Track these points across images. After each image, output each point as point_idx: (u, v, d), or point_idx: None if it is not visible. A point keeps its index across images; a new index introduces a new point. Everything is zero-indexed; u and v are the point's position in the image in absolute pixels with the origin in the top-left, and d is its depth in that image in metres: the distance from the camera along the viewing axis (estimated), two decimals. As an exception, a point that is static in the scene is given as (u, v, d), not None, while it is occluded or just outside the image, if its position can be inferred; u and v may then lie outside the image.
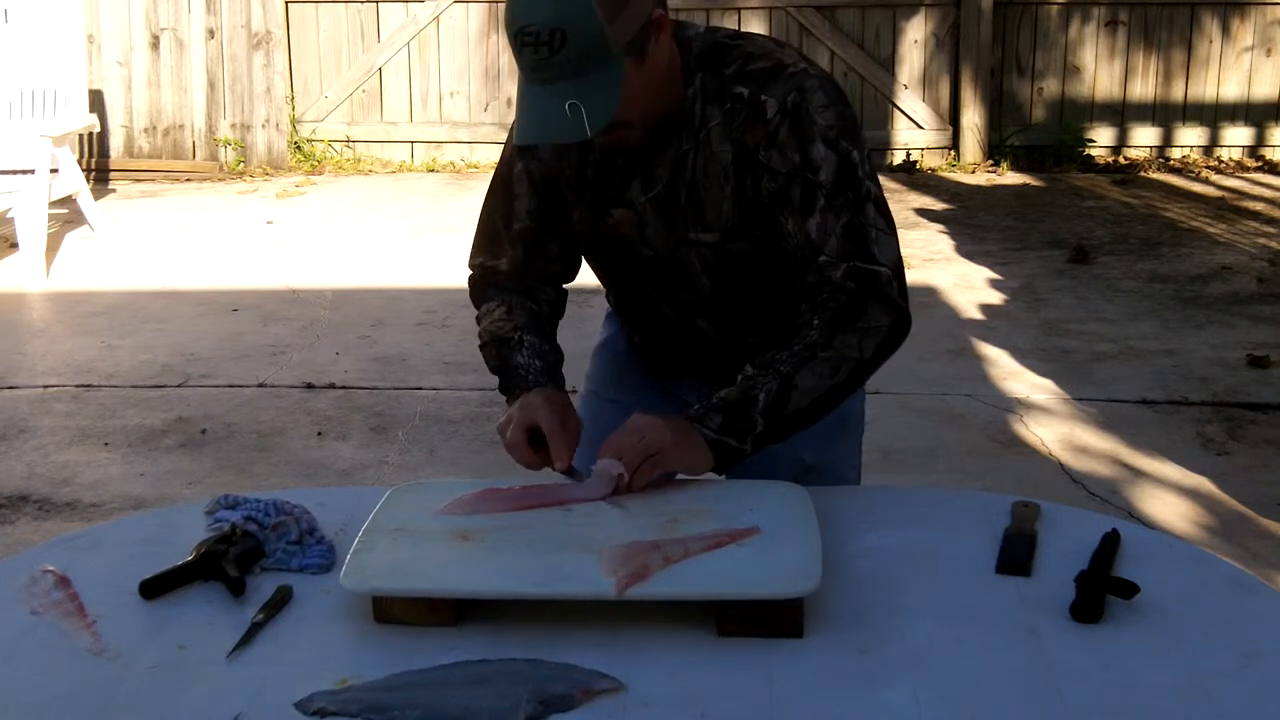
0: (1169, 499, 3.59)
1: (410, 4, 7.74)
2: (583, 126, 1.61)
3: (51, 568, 1.59)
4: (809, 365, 1.70)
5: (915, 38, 7.69)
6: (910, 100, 7.74)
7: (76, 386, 4.59)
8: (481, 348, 1.92)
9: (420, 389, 4.49)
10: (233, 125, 7.87)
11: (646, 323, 1.98)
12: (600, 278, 2.00)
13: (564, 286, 2.00)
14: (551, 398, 1.79)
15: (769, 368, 1.71)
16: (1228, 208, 6.83)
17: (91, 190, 6.55)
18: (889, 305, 1.74)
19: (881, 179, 1.93)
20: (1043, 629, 1.44)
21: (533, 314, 1.91)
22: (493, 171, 1.96)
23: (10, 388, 4.60)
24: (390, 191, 7.42)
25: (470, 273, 1.99)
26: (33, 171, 5.95)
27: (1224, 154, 7.74)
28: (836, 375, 1.72)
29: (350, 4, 7.74)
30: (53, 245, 6.22)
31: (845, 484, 2.02)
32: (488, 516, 1.63)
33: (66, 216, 6.61)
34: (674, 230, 1.80)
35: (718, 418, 1.69)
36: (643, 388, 2.04)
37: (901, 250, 1.77)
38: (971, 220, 6.69)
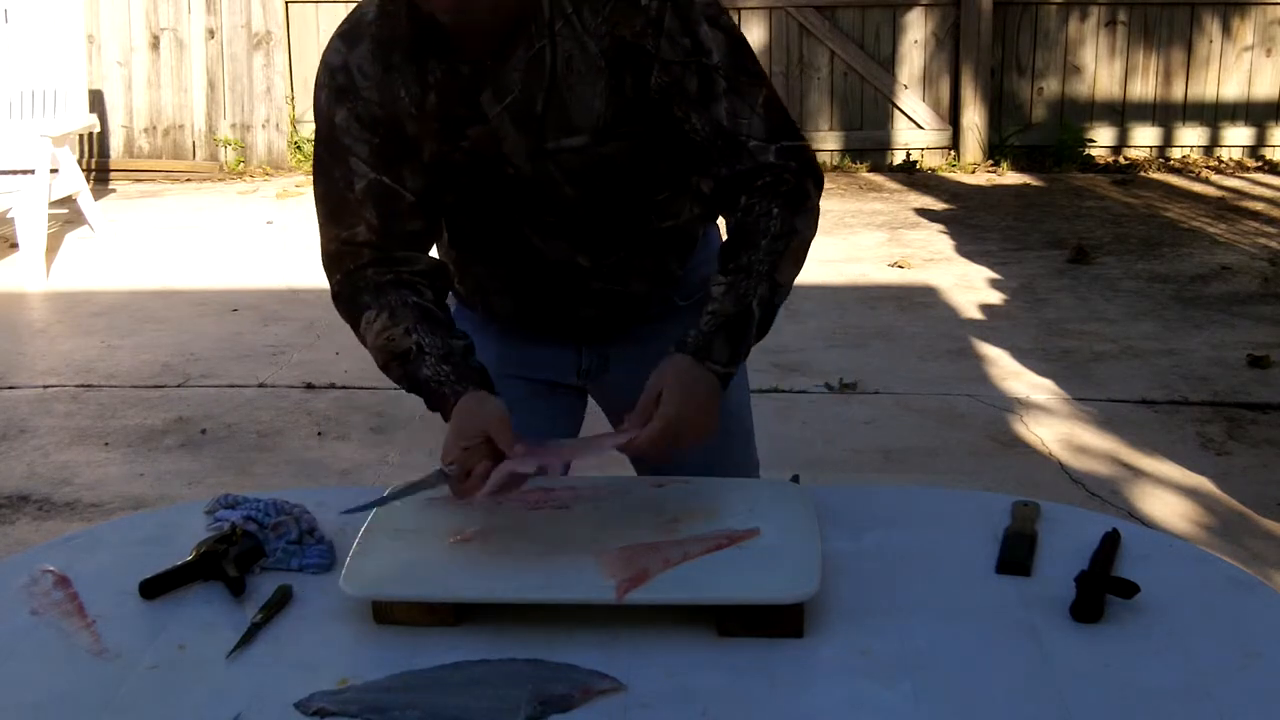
0: (1169, 499, 3.59)
1: (410, 4, 7.74)
2: None
3: (51, 568, 1.59)
4: (783, 258, 1.64)
5: (915, 37, 7.69)
6: (910, 100, 7.74)
7: (76, 386, 4.58)
8: (383, 369, 1.70)
9: (420, 389, 4.49)
10: (233, 125, 7.87)
11: (518, 267, 1.80)
12: (456, 230, 1.81)
13: (435, 254, 1.80)
14: (465, 426, 1.59)
15: (750, 272, 1.62)
16: (1228, 208, 6.83)
17: (91, 190, 6.54)
18: (818, 179, 1.70)
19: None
20: (1043, 629, 1.43)
21: (416, 308, 1.68)
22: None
23: (10, 388, 4.60)
24: (390, 191, 7.41)
25: (332, 273, 1.73)
26: (33, 171, 5.95)
27: (1224, 154, 7.74)
28: (800, 262, 1.67)
29: (350, 4, 7.72)
30: (53, 245, 6.22)
31: (743, 414, 1.97)
32: (488, 516, 1.62)
33: (66, 216, 6.62)
34: (532, 140, 1.67)
35: (724, 349, 1.60)
36: (521, 407, 1.75)
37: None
38: (971, 220, 6.68)
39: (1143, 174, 7.58)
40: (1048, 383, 4.46)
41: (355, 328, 1.72)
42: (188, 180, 7.81)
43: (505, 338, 1.90)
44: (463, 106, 1.67)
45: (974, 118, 7.68)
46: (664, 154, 1.73)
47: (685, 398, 1.57)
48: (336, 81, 1.69)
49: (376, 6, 1.69)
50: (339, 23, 1.74)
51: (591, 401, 2.02)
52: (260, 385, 4.57)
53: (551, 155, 1.68)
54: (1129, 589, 1.46)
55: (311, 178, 1.75)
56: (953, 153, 7.79)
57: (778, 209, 1.64)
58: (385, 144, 1.69)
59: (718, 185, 1.69)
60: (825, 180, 1.73)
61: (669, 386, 1.57)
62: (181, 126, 7.89)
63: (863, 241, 6.27)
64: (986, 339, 4.91)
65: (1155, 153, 7.77)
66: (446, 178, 1.71)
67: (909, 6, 7.65)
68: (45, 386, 4.60)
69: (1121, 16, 7.64)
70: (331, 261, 1.74)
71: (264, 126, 7.86)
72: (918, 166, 7.79)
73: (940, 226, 6.57)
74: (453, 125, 1.67)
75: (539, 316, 1.87)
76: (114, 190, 7.65)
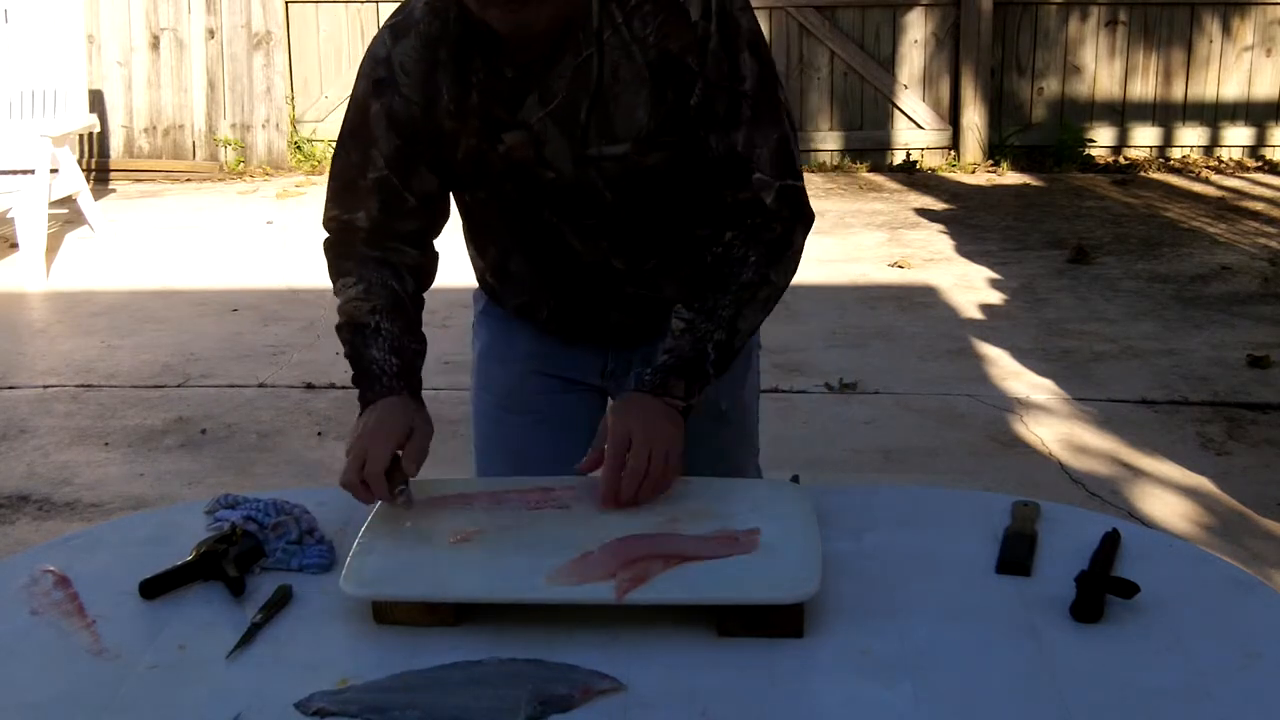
0: (1169, 499, 3.59)
1: (410, 4, 7.74)
2: None
3: (51, 568, 1.59)
4: (749, 305, 1.69)
5: (915, 37, 7.69)
6: (910, 100, 7.74)
7: (76, 386, 4.58)
8: (338, 329, 1.77)
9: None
10: (233, 125, 7.87)
11: (553, 268, 1.82)
12: (487, 229, 1.85)
13: (432, 249, 1.84)
14: (389, 423, 1.69)
15: (712, 315, 1.67)
16: (1228, 208, 6.83)
17: (91, 190, 6.55)
18: (807, 222, 1.74)
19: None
20: (1043, 629, 1.43)
21: (393, 295, 1.75)
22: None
23: (10, 388, 4.60)
24: (390, 191, 7.41)
25: (326, 234, 1.81)
26: (33, 171, 5.95)
27: (1224, 154, 7.74)
28: (767, 309, 1.73)
29: (350, 4, 7.74)
30: (53, 245, 6.22)
31: (751, 416, 2.01)
32: (488, 516, 1.63)
33: (66, 216, 6.62)
34: (574, 146, 1.69)
35: (680, 383, 1.66)
36: (543, 401, 1.94)
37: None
38: (971, 220, 6.68)
39: (1143, 174, 7.58)
40: (1048, 383, 4.46)
41: (333, 282, 1.79)
42: (188, 180, 7.81)
43: (535, 335, 1.94)
44: (503, 109, 1.69)
45: (974, 118, 7.68)
46: (701, 164, 1.75)
47: (653, 435, 1.62)
48: (378, 74, 1.72)
49: (425, 3, 1.71)
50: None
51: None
52: (260, 385, 4.57)
53: (594, 162, 1.70)
54: (1129, 589, 1.46)
55: (332, 154, 1.80)
56: (953, 153, 7.79)
57: (755, 257, 1.69)
58: (407, 146, 1.73)
59: (716, 208, 1.72)
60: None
61: (636, 430, 1.62)
62: (181, 126, 7.89)
63: (863, 241, 6.27)
64: (986, 339, 4.92)
65: (1155, 153, 7.77)
66: (481, 174, 1.74)
67: (909, 6, 7.65)
68: (45, 386, 4.60)
69: (1121, 16, 7.64)
70: (327, 231, 1.81)
71: (264, 126, 7.86)
72: (918, 166, 7.79)
73: (940, 226, 6.57)
74: (492, 126, 1.70)
75: (569, 320, 1.89)
76: (114, 190, 7.65)
